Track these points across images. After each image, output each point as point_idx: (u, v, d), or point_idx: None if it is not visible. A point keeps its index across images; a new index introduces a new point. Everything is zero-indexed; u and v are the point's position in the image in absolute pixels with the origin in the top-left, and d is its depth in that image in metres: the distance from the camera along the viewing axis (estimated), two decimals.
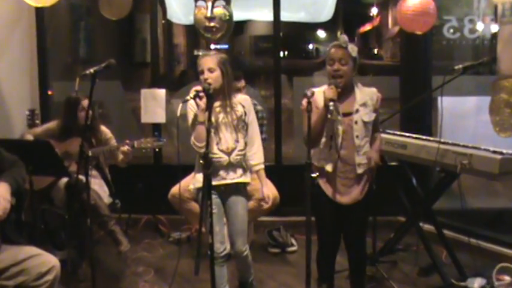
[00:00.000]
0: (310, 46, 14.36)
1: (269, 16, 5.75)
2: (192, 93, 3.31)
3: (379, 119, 3.56)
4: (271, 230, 5.15)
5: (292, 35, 12.08)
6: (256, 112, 4.35)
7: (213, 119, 3.39)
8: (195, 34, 5.61)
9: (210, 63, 3.47)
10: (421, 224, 4.36)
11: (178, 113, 3.11)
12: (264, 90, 7.67)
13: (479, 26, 5.44)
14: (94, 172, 4.54)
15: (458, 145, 3.94)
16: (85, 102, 4.47)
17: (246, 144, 3.62)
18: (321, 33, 14.48)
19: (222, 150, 3.53)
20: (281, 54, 6.09)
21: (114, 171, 4.79)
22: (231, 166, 3.56)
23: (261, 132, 4.39)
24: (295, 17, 6.79)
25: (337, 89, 3.24)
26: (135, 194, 5.39)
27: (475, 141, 3.97)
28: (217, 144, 3.52)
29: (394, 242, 4.63)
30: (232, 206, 3.63)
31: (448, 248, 4.34)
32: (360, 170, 3.38)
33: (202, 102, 3.33)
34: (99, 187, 4.54)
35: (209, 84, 3.39)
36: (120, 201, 4.75)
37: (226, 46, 8.65)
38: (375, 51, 13.04)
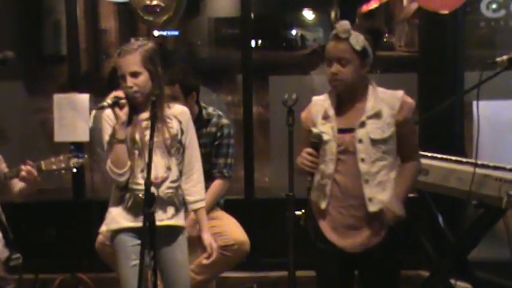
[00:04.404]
0: (293, 32, 14.47)
1: None
2: (110, 99, 3.36)
3: (413, 137, 3.45)
4: None
5: (268, 18, 12.16)
6: (221, 128, 4.34)
7: (137, 137, 3.49)
8: (132, 16, 5.58)
9: (131, 64, 3.48)
10: (452, 280, 4.36)
11: (91, 124, 3.25)
12: (229, 94, 7.69)
13: None
14: None
15: (503, 169, 3.94)
16: None
17: (180, 173, 3.65)
18: (308, 15, 14.63)
19: None
20: (252, 43, 6.12)
21: (13, 211, 4.65)
22: (159, 203, 3.48)
23: (228, 156, 4.36)
24: None
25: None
26: (46, 243, 5.31)
27: None
28: (142, 171, 3.50)
29: None
30: (165, 256, 3.61)
31: None
32: (372, 208, 3.26)
33: (124, 113, 3.42)
34: None
35: (135, 92, 3.46)
36: (22, 255, 4.62)
37: (175, 33, 8.68)
38: (384, 38, 13.18)
